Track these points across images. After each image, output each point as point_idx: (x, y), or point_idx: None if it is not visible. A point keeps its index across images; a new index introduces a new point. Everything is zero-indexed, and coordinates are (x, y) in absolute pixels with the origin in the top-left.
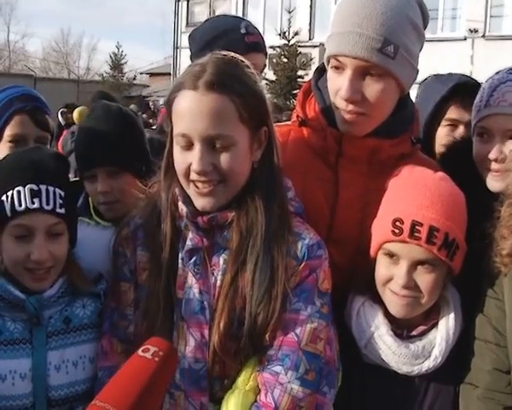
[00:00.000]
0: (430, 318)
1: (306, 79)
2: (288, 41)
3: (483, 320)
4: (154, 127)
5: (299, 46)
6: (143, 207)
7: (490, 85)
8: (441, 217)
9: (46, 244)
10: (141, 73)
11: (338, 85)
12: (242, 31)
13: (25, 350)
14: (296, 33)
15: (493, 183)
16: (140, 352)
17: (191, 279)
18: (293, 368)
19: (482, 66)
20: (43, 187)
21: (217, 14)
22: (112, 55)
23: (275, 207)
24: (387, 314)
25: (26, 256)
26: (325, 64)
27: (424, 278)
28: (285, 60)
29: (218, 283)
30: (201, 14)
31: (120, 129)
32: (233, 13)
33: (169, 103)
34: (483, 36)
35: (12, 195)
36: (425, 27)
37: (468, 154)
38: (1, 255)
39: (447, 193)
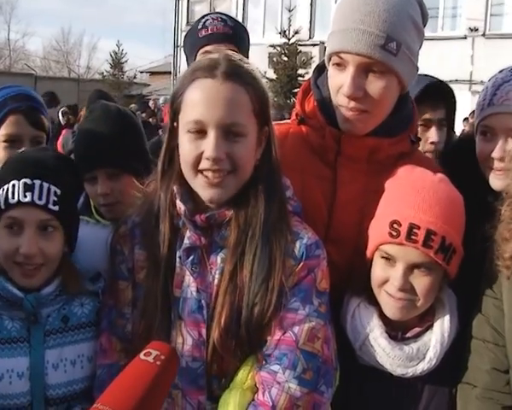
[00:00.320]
0: (425, 320)
1: (307, 77)
2: (289, 39)
3: (481, 320)
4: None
5: (300, 45)
6: (140, 206)
7: (493, 84)
8: (439, 220)
9: (36, 239)
10: (141, 72)
11: (340, 82)
12: (199, 26)
13: (22, 349)
14: (296, 32)
15: (496, 181)
16: (142, 355)
17: (189, 278)
18: (291, 367)
19: (482, 64)
20: (37, 182)
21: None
22: (112, 54)
23: (275, 202)
24: (382, 316)
25: (16, 250)
26: (326, 62)
27: (420, 281)
28: (285, 58)
29: (216, 281)
30: (202, 12)
31: (119, 130)
32: (233, 11)
33: (177, 96)
34: (483, 34)
35: (7, 188)
36: (424, 25)
37: (469, 152)
38: None
39: (445, 196)
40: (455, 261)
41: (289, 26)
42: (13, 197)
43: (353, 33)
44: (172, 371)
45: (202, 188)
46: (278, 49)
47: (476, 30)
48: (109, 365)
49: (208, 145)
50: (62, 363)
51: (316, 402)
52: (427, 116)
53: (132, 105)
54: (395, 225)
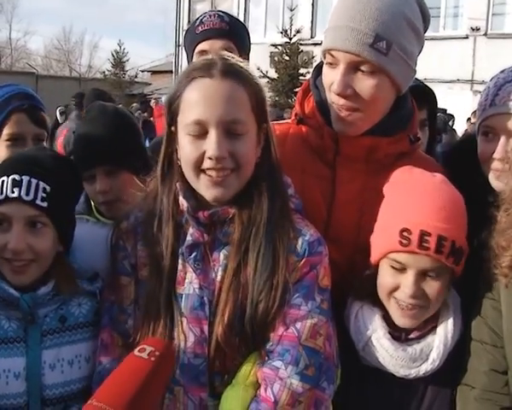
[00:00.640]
0: (429, 321)
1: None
2: (290, 39)
3: (479, 321)
4: None
5: (301, 44)
6: (143, 202)
7: (495, 84)
8: (447, 225)
9: (24, 236)
10: (142, 71)
11: (331, 80)
12: (196, 23)
13: (19, 349)
14: (298, 31)
15: (497, 182)
16: (136, 352)
17: (191, 275)
18: (293, 363)
19: (484, 64)
20: (25, 178)
21: None
22: (113, 53)
23: (278, 200)
24: (385, 317)
25: (4, 246)
26: (322, 60)
27: (432, 286)
28: (287, 58)
29: (219, 278)
30: (203, 11)
31: (116, 128)
32: (234, 10)
33: (174, 99)
34: (485, 34)
35: None
36: (426, 28)
37: (471, 153)
38: None
39: (449, 198)
40: (462, 261)
41: (291, 25)
42: (1, 193)
43: (343, 31)
44: (168, 366)
45: (206, 187)
46: (280, 48)
47: (478, 29)
48: (110, 360)
49: (210, 144)
50: (59, 363)
51: (317, 398)
52: None
53: (134, 104)
54: (405, 234)
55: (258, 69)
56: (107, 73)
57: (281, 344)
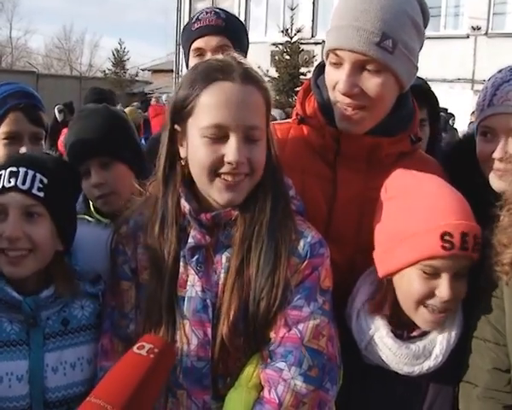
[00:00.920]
0: None
1: (309, 76)
2: (291, 38)
3: (482, 319)
4: None
5: (302, 43)
6: (143, 205)
7: (492, 84)
8: (471, 221)
9: (21, 224)
10: (143, 70)
11: (335, 79)
12: (193, 20)
13: (21, 352)
14: (299, 30)
15: (497, 182)
16: (135, 349)
17: (193, 277)
18: (297, 364)
19: (485, 63)
20: (22, 169)
21: None
22: (114, 52)
23: (280, 201)
24: (387, 316)
25: (0, 236)
26: (325, 59)
27: (462, 286)
28: (287, 57)
29: (222, 280)
30: None
31: (108, 122)
32: (235, 9)
33: (189, 101)
34: (486, 33)
35: None
36: (425, 26)
37: (470, 153)
38: None
39: (459, 195)
40: None
41: (291, 24)
42: None
43: (348, 30)
44: (167, 363)
45: (219, 191)
46: (280, 47)
47: (479, 29)
48: (110, 366)
49: (230, 149)
50: (62, 366)
51: (321, 399)
52: None
53: (135, 103)
54: (447, 237)
55: (259, 68)
56: (107, 71)
57: (283, 346)
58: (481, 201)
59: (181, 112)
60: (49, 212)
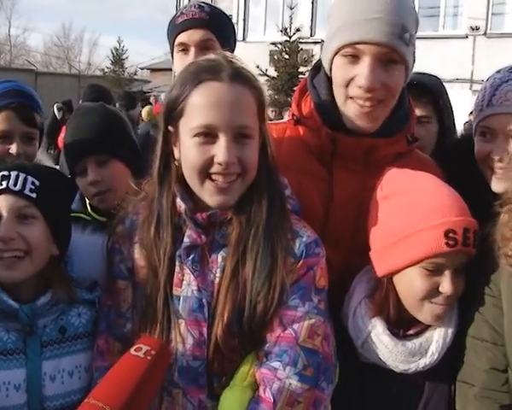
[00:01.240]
0: None
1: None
2: (290, 37)
3: (479, 319)
4: None
5: (301, 42)
6: (138, 204)
7: (491, 84)
8: (471, 217)
9: (14, 226)
10: (142, 69)
11: (351, 75)
12: (177, 14)
13: (19, 360)
14: (298, 30)
15: (496, 182)
16: (132, 351)
17: (189, 277)
18: (292, 364)
19: (483, 64)
20: (13, 172)
21: None
22: (113, 50)
23: (276, 201)
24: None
25: None
26: (329, 56)
27: (461, 281)
28: (286, 56)
29: (217, 280)
30: None
31: (104, 120)
32: (234, 9)
33: (179, 101)
34: (484, 34)
35: None
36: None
37: (468, 153)
38: None
39: (455, 193)
40: None
41: (290, 23)
42: None
43: (371, 23)
44: (163, 365)
45: (210, 194)
46: (279, 46)
47: (477, 29)
48: (106, 367)
49: (220, 150)
50: (59, 374)
51: (316, 398)
52: None
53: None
54: (451, 234)
55: (258, 67)
56: (106, 70)
57: (278, 345)
58: (479, 200)
59: (173, 113)
60: (43, 214)
